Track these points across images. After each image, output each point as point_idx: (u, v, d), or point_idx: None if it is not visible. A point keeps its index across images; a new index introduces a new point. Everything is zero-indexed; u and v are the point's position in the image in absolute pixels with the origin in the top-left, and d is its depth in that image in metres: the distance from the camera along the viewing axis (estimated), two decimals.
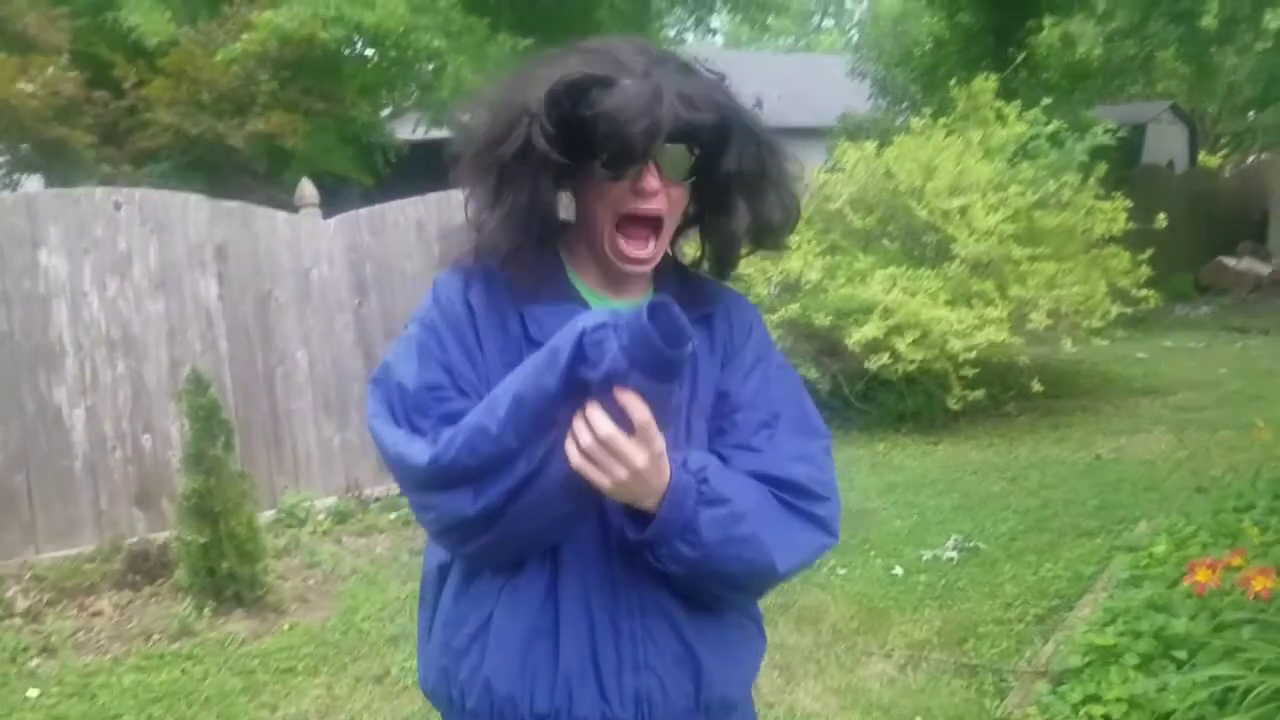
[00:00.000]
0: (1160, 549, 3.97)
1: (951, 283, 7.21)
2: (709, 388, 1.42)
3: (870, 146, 7.83)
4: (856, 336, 6.75)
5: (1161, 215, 7.73)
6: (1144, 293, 7.60)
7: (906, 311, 6.83)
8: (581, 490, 1.21)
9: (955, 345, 6.74)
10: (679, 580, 1.32)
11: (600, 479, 1.20)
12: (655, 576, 1.33)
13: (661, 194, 1.32)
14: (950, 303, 7.11)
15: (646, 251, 1.36)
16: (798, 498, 1.36)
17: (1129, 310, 7.51)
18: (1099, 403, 7.97)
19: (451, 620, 1.41)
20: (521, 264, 1.36)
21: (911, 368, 6.85)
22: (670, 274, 1.48)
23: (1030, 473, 6.21)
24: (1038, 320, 7.09)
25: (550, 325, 1.31)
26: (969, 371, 6.83)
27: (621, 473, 1.19)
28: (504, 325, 1.36)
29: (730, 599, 1.41)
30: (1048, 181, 7.63)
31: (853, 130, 11.99)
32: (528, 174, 1.30)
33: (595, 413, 1.17)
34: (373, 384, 1.38)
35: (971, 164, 7.52)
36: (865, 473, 6.36)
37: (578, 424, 1.18)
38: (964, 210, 7.31)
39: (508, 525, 1.27)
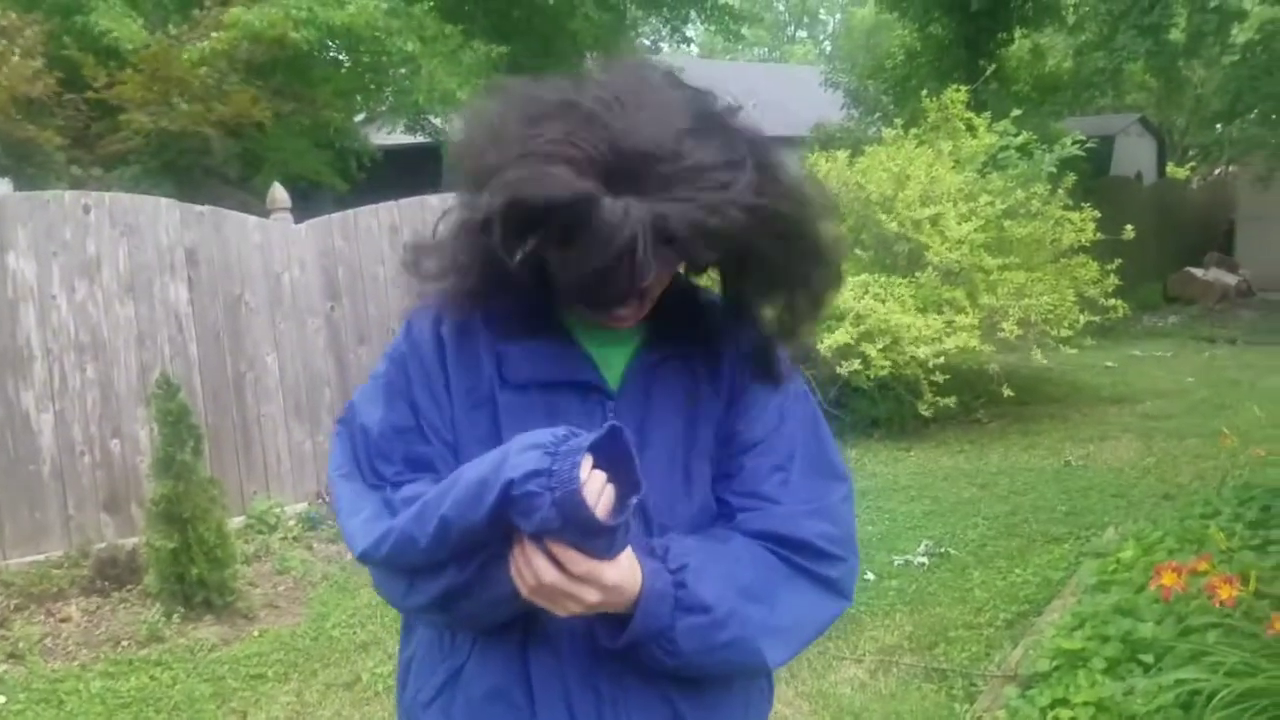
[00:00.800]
0: (1127, 554, 4.01)
1: (923, 290, 7.25)
2: (709, 429, 1.29)
3: (842, 156, 7.88)
4: (828, 342, 6.75)
5: (1129, 226, 7.80)
6: (1112, 302, 7.68)
7: (876, 318, 6.87)
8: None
9: (923, 351, 6.78)
10: None
11: (556, 610, 1.12)
12: None
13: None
14: (922, 310, 7.16)
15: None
16: (809, 560, 1.25)
17: (1097, 319, 7.59)
18: (1068, 410, 8.05)
19: (423, 668, 1.33)
20: (501, 299, 1.23)
21: (882, 373, 6.87)
22: (673, 296, 1.27)
23: (1000, 479, 6.26)
24: (1008, 329, 7.14)
25: (527, 368, 1.24)
26: (939, 378, 6.87)
27: (575, 607, 1.11)
28: (477, 363, 1.25)
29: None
30: (1016, 191, 7.69)
31: (825, 140, 12.06)
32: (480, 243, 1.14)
33: (535, 558, 1.08)
34: (339, 424, 1.31)
35: (942, 173, 7.59)
36: None
37: (519, 564, 1.09)
38: (935, 219, 7.37)
39: (450, 617, 1.22)
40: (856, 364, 6.81)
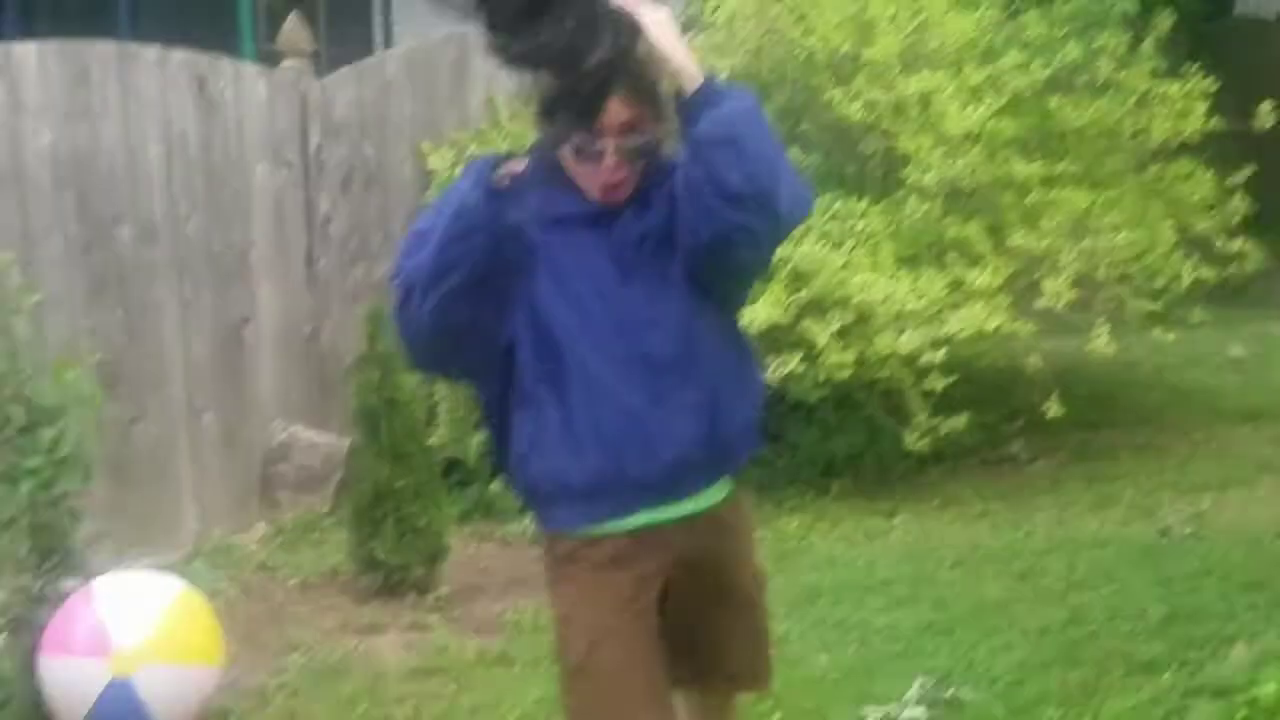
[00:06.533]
0: (1270, 690, 4.06)
1: (910, 225, 7.37)
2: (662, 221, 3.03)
3: None
4: (742, 324, 6.63)
5: (1267, 105, 8.04)
6: (1239, 244, 7.86)
7: (829, 277, 6.90)
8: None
9: (911, 339, 6.85)
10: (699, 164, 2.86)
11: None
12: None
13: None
14: (907, 261, 7.25)
15: (618, 196, 3.09)
16: None
17: (1213, 274, 7.76)
18: (1165, 437, 8.20)
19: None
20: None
21: (843, 376, 6.92)
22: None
23: (1050, 562, 6.35)
24: (1055, 292, 7.26)
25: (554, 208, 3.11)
26: (939, 384, 6.95)
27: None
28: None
29: (731, 212, 2.84)
30: (1070, 45, 7.80)
31: None
32: None
33: None
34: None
35: (937, 13, 7.69)
36: (769, 568, 6.28)
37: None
38: (925, 99, 7.45)
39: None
40: (795, 361, 6.85)
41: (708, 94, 2.84)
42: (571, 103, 2.87)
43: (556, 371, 2.99)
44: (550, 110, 2.94)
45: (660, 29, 2.81)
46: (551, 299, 3.01)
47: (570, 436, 2.99)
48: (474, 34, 3.28)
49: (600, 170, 3.00)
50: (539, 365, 3.00)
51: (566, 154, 3.03)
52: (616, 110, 2.94)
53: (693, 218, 2.88)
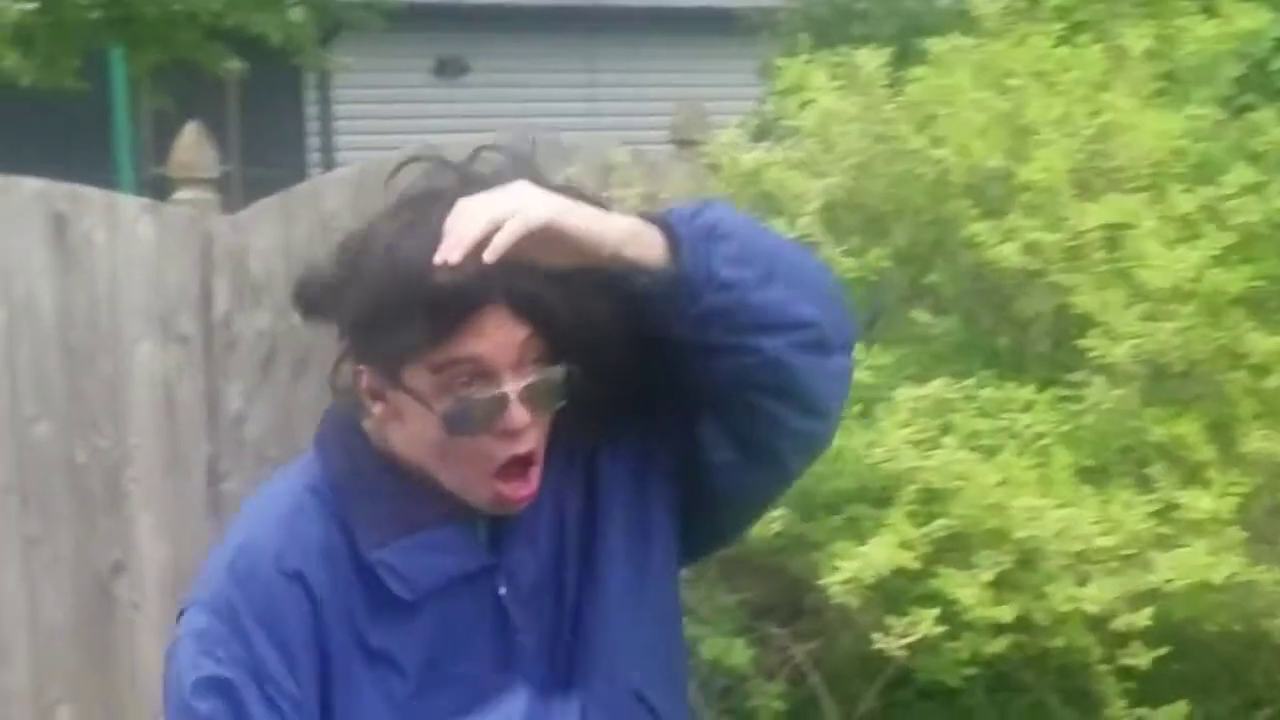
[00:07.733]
0: None
1: (1094, 422, 6.78)
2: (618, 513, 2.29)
3: (869, 63, 7.44)
4: (841, 577, 6.06)
5: None
6: None
7: (977, 500, 6.36)
8: None
9: (1104, 593, 6.20)
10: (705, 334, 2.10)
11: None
12: None
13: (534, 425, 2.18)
14: (1092, 475, 6.64)
15: (530, 489, 2.17)
16: None
17: None
18: None
19: None
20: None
21: (999, 648, 6.30)
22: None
23: None
24: None
25: (414, 571, 2.20)
26: (1143, 658, 6.25)
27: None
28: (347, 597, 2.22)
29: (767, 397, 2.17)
30: None
31: (820, 25, 11.94)
32: None
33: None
34: None
35: (1127, 112, 7.16)
36: None
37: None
38: (1113, 237, 6.91)
39: None
40: (929, 625, 6.19)
41: (686, 237, 2.07)
42: (432, 314, 2.05)
43: None
44: (395, 342, 2.09)
45: (559, 214, 1.98)
46: None
47: None
48: (451, 147, 2.71)
49: (499, 440, 2.13)
50: None
51: (419, 434, 2.17)
52: (509, 331, 2.14)
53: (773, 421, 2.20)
